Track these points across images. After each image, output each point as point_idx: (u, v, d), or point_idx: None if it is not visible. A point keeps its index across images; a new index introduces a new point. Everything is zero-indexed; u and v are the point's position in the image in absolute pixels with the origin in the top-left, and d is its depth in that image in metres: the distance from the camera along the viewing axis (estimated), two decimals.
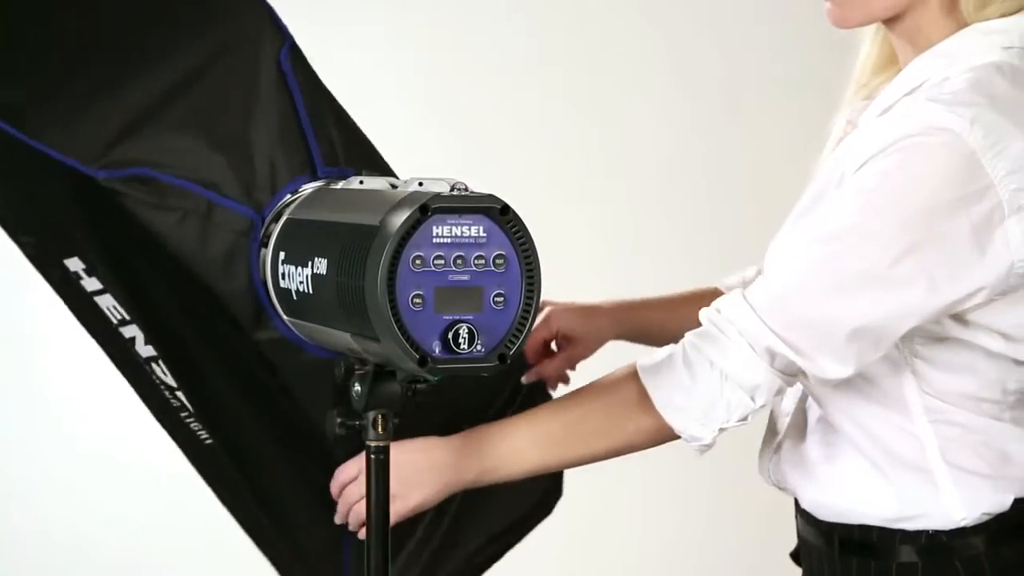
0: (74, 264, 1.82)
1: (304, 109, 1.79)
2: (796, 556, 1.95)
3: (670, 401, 1.75)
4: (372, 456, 1.67)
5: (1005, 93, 1.69)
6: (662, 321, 2.04)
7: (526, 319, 1.53)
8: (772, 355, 1.70)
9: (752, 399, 1.72)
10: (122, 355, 1.89)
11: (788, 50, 3.79)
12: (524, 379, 1.99)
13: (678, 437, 1.78)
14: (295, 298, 1.68)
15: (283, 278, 1.70)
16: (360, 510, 1.83)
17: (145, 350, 1.85)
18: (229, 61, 1.78)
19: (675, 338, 1.94)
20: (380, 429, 1.66)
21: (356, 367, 1.66)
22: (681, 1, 3.86)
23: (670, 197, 3.86)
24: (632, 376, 1.79)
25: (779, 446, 1.89)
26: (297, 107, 1.79)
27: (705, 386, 1.73)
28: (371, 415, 1.66)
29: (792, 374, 1.73)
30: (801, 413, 1.88)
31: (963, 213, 1.65)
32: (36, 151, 1.70)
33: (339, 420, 1.69)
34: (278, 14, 1.81)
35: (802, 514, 1.87)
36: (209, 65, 1.78)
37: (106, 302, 1.84)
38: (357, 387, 1.66)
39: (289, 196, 1.76)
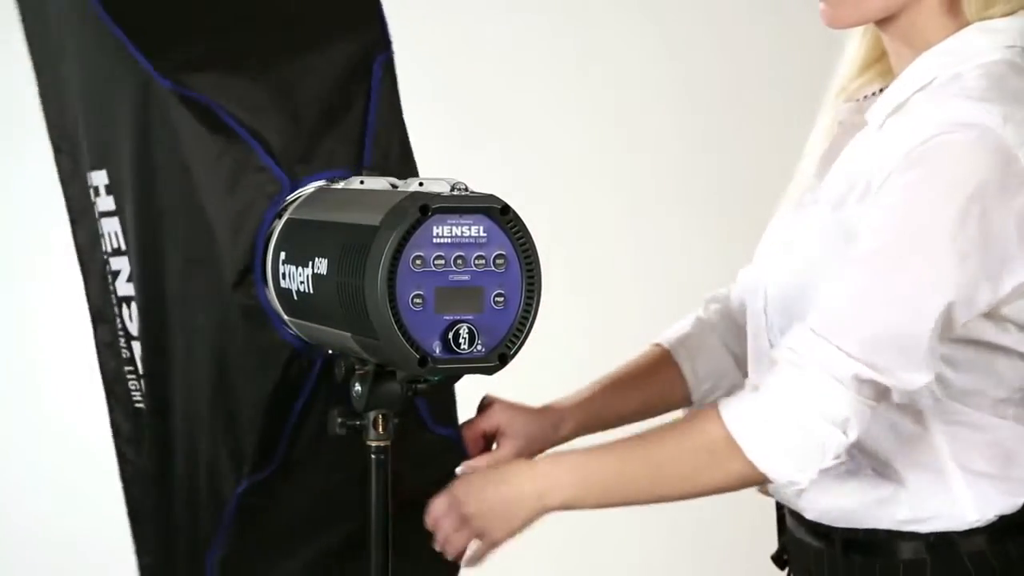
0: (99, 178, 1.87)
1: (374, 115, 1.81)
2: (777, 559, 1.94)
3: (762, 449, 1.70)
4: (372, 456, 1.67)
5: (1020, 89, 1.70)
6: (616, 408, 2.00)
7: (526, 319, 1.54)
8: (859, 382, 1.66)
9: (844, 434, 1.68)
10: (100, 288, 1.94)
11: (792, 51, 3.79)
12: (459, 470, 1.91)
13: (769, 481, 1.73)
14: (296, 298, 1.68)
15: (283, 278, 1.70)
16: (456, 542, 1.80)
17: (124, 287, 1.88)
18: (332, 50, 1.82)
19: (632, 420, 1.97)
20: (380, 429, 1.66)
21: (356, 367, 1.66)
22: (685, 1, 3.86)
23: (671, 197, 3.86)
24: (715, 420, 1.72)
25: None
26: (369, 111, 1.81)
27: (796, 430, 1.68)
28: (371, 415, 1.66)
29: (877, 399, 1.69)
30: None
31: (1007, 206, 1.65)
32: (119, 42, 1.76)
33: (339, 420, 1.69)
34: (388, 26, 1.85)
35: (797, 518, 1.86)
36: (311, 44, 1.82)
37: (110, 226, 1.87)
38: (357, 387, 1.66)
39: (324, 182, 1.77)
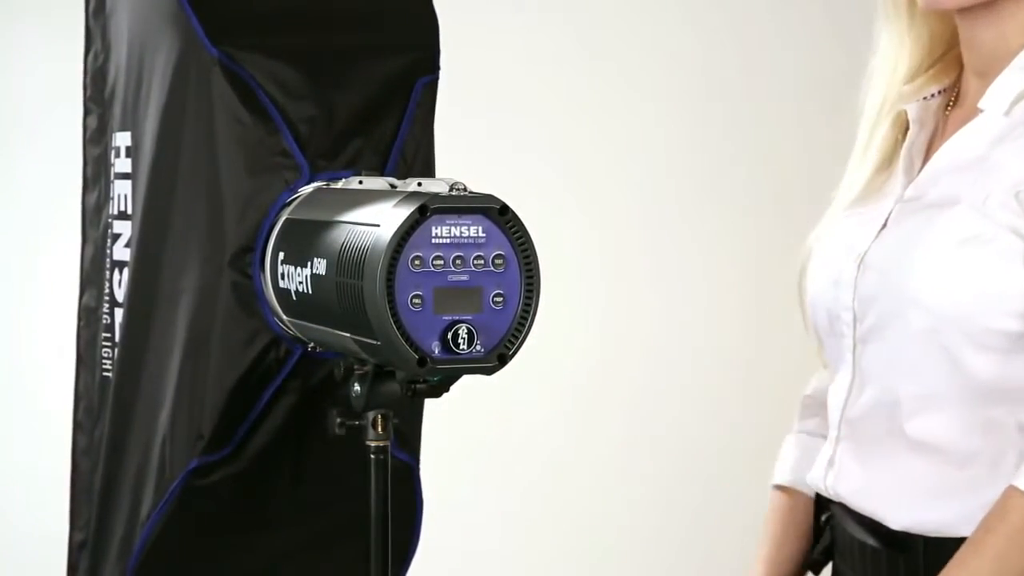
0: (123, 139, 1.90)
1: (405, 130, 1.84)
2: (813, 566, 1.94)
3: None
4: (372, 456, 1.67)
5: None
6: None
7: (525, 319, 1.54)
8: None
9: None
10: (95, 252, 1.97)
11: (810, 50, 3.79)
12: None
13: None
14: (294, 298, 1.68)
15: (282, 278, 1.70)
16: None
17: (120, 252, 1.91)
18: (381, 61, 1.84)
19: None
20: (380, 429, 1.66)
21: (356, 367, 1.66)
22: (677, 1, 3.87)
23: (671, 198, 3.86)
24: (1019, 500, 1.70)
25: (832, 460, 1.87)
26: (401, 125, 1.84)
27: None
28: (371, 415, 1.66)
29: None
30: (851, 426, 1.85)
31: None
32: (177, 1, 1.78)
33: (339, 420, 1.69)
34: (440, 52, 1.88)
35: (868, 528, 1.84)
36: (364, 52, 1.84)
37: (122, 188, 1.90)
38: (357, 387, 1.66)
39: (343, 181, 1.77)
